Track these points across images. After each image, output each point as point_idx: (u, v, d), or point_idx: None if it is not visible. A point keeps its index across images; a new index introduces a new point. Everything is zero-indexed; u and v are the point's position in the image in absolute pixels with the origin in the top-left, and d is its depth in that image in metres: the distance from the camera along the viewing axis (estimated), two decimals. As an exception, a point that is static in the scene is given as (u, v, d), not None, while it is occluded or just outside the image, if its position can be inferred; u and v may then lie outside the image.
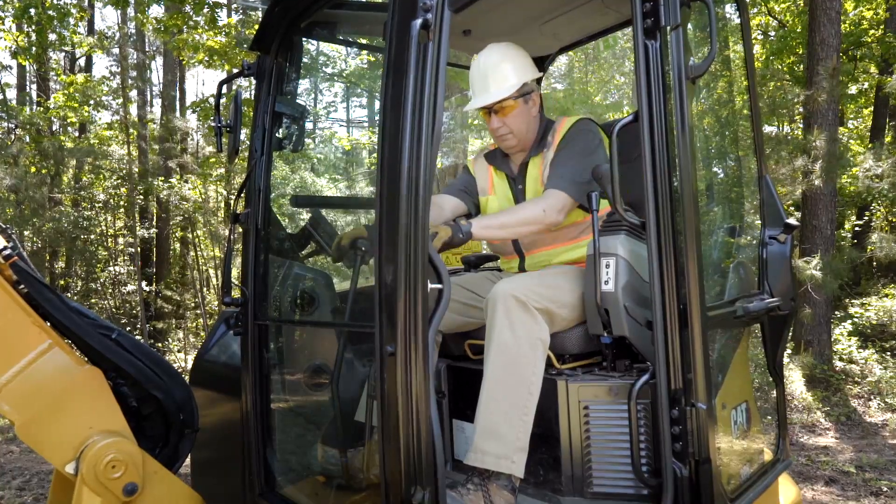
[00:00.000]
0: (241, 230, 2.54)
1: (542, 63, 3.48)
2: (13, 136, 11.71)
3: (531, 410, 2.09)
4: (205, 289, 12.33)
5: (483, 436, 2.08)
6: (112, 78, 12.50)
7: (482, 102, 2.47)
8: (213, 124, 2.53)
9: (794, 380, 7.06)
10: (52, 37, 9.37)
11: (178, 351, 11.45)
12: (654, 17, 1.81)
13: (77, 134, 13.46)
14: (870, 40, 9.96)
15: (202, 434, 2.54)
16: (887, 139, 9.71)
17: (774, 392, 2.65)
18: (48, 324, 2.22)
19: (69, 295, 11.53)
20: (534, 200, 2.44)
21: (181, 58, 9.49)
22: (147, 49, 13.06)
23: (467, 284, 2.56)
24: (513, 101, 2.47)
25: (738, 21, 2.56)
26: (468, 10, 2.41)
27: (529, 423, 2.09)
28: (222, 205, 12.42)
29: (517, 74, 2.47)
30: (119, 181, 12.53)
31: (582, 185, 2.36)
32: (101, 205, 12.65)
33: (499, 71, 2.46)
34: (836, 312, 8.56)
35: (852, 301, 9.29)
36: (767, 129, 10.12)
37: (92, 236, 12.27)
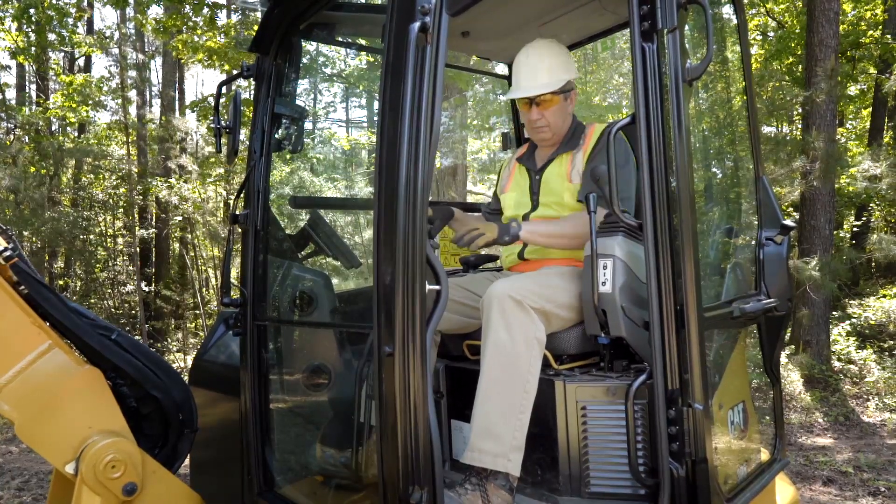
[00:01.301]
0: (240, 231, 2.54)
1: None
2: (12, 136, 11.72)
3: (527, 409, 2.10)
4: (204, 289, 12.33)
5: (479, 435, 2.09)
6: (111, 78, 12.51)
7: (529, 92, 2.55)
8: (212, 125, 2.54)
9: (793, 380, 7.07)
10: (52, 37, 9.37)
11: (178, 351, 11.46)
12: (652, 20, 1.82)
13: (76, 134, 13.45)
14: (868, 41, 9.98)
15: (201, 434, 2.54)
16: (885, 140, 9.73)
17: (772, 392, 2.66)
18: (48, 324, 2.23)
19: (68, 295, 11.53)
20: (583, 216, 2.40)
21: (180, 58, 9.49)
22: (146, 49, 13.06)
23: (466, 285, 2.57)
24: (555, 95, 2.55)
25: (735, 22, 2.57)
26: (467, 12, 2.42)
27: (526, 422, 2.10)
28: (221, 205, 12.42)
29: (562, 71, 2.57)
30: (118, 181, 12.53)
31: (626, 199, 2.36)
32: (100, 205, 12.65)
33: (547, 64, 2.55)
34: (835, 313, 8.58)
35: (851, 301, 9.31)
36: (766, 129, 10.14)
37: (91, 236, 12.27)
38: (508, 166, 2.91)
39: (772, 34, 11.42)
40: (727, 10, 2.89)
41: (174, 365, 9.80)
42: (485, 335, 2.15)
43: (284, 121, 2.58)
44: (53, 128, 12.39)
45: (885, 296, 9.13)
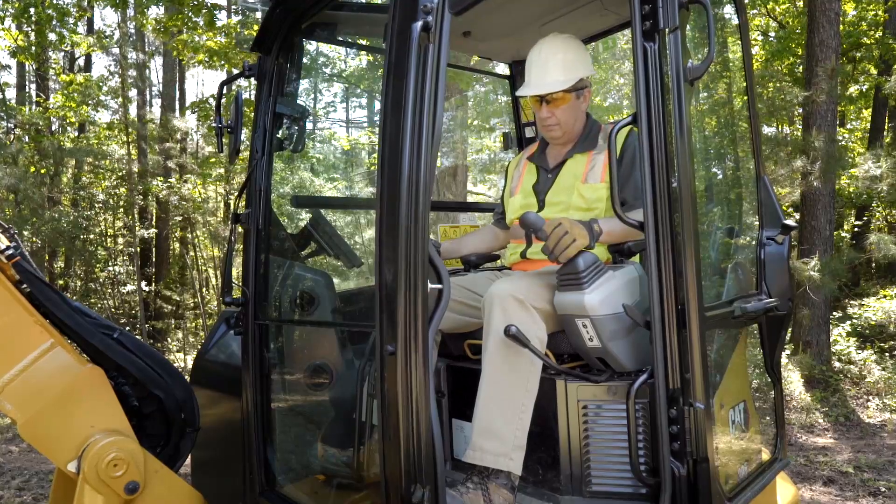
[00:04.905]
0: (241, 230, 2.55)
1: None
2: (12, 136, 11.71)
3: (529, 408, 2.10)
4: (204, 289, 12.33)
5: (481, 433, 2.09)
6: (111, 77, 12.50)
7: (537, 90, 2.48)
8: (213, 125, 2.54)
9: (793, 380, 7.07)
10: (52, 36, 9.37)
11: (178, 351, 11.45)
12: (653, 20, 1.82)
13: (76, 134, 13.45)
14: (869, 41, 9.98)
15: (203, 433, 2.55)
16: (886, 140, 9.73)
17: (773, 392, 2.66)
18: (50, 323, 2.24)
19: (68, 294, 11.50)
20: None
21: (180, 58, 9.49)
22: (146, 48, 13.05)
23: (468, 284, 2.57)
24: (567, 93, 2.48)
25: (736, 22, 2.57)
26: (468, 12, 2.42)
27: (527, 421, 2.10)
28: (221, 205, 12.42)
29: (575, 68, 2.48)
30: (118, 181, 12.53)
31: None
32: (100, 205, 12.64)
33: (559, 61, 2.47)
34: (835, 313, 8.57)
35: (851, 302, 9.31)
36: (767, 129, 10.13)
37: (91, 236, 12.26)
38: (518, 166, 2.83)
39: (772, 34, 11.42)
40: (728, 10, 2.89)
41: (175, 365, 9.78)
42: (486, 334, 2.15)
43: (286, 120, 2.59)
44: (53, 127, 12.38)
45: (885, 296, 9.13)
